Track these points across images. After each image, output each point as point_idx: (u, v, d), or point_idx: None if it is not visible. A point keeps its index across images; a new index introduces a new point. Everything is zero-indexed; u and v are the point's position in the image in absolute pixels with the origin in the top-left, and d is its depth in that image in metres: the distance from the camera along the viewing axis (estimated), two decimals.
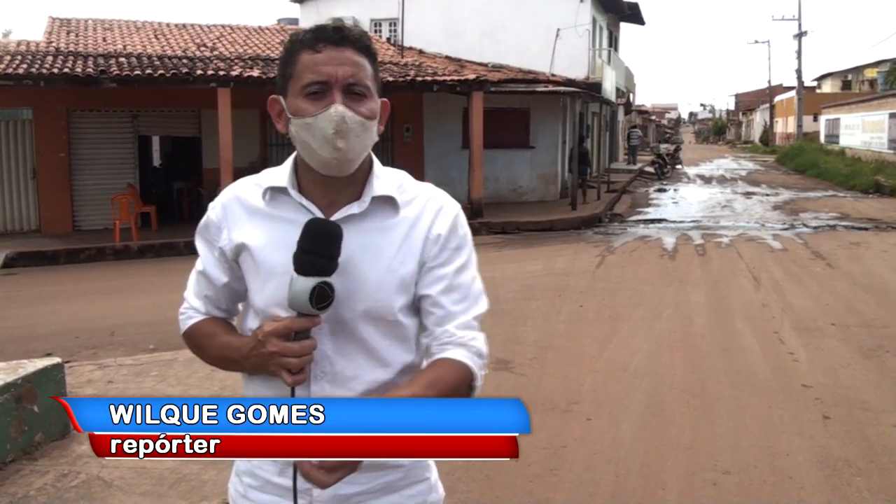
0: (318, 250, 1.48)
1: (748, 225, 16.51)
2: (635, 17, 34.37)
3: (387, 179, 1.65)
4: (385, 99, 1.65)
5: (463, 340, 1.59)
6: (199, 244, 1.72)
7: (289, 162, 1.64)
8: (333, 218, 1.57)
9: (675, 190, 25.92)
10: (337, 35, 1.54)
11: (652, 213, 19.34)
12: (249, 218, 1.63)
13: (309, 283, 1.46)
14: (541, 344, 7.23)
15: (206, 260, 1.70)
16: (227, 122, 14.33)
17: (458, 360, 1.56)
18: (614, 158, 37.00)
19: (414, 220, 1.63)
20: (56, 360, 4.96)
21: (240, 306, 1.76)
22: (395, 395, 1.51)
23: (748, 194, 24.02)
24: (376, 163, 1.67)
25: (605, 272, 10.99)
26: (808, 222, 16.66)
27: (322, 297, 1.47)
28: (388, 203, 1.62)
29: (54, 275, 12.13)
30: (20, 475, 4.29)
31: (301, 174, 1.62)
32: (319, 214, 1.57)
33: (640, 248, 13.28)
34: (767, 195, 23.64)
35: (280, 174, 1.63)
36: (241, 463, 1.72)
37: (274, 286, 1.57)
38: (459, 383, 1.55)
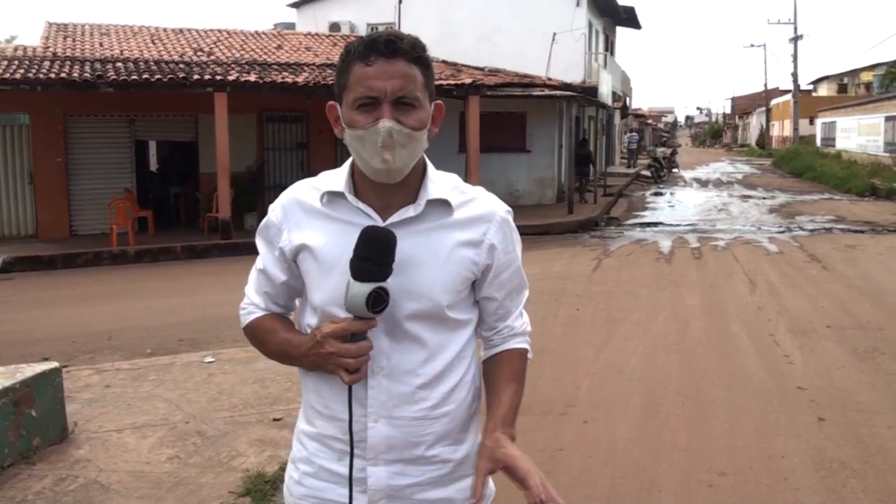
0: (373, 257, 1.54)
1: (744, 228, 16.55)
2: (631, 21, 34.42)
3: (441, 183, 1.71)
4: (439, 101, 1.71)
5: (521, 330, 1.85)
6: (260, 244, 1.79)
7: (346, 166, 1.71)
8: (389, 221, 1.64)
9: (671, 193, 25.97)
10: (388, 48, 1.58)
11: (648, 216, 19.38)
12: (308, 219, 1.70)
13: (365, 288, 1.53)
14: (537, 347, 7.17)
15: (266, 259, 1.77)
16: (223, 127, 14.34)
17: (519, 348, 1.84)
18: (611, 162, 37.04)
19: (469, 223, 1.70)
20: (54, 364, 4.97)
21: (296, 302, 1.84)
22: (502, 397, 1.75)
23: (744, 197, 24.07)
24: (430, 166, 1.73)
25: (602, 275, 11.02)
26: (803, 225, 16.71)
27: (378, 302, 1.55)
28: (442, 206, 1.68)
29: (51, 279, 12.13)
30: (18, 479, 4.29)
31: (357, 179, 1.69)
32: (377, 217, 1.64)
33: (636, 252, 13.30)
34: (763, 198, 23.69)
35: (337, 178, 1.70)
36: (297, 450, 1.81)
37: (332, 284, 1.64)
38: (524, 364, 1.85)
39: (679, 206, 21.79)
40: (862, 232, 15.43)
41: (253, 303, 1.81)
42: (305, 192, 1.72)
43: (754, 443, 4.93)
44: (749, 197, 24.22)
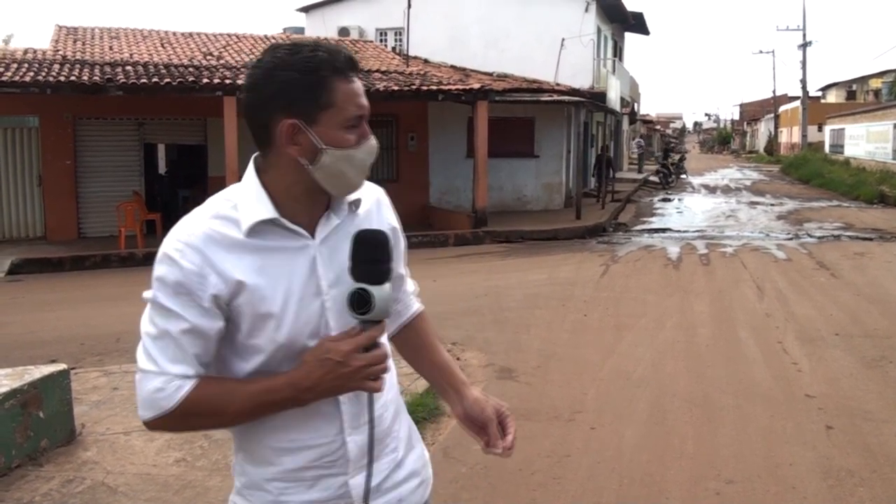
0: (383, 258, 1.56)
1: (752, 235, 16.51)
2: (640, 26, 34.45)
3: None
4: None
5: (414, 291, 1.96)
6: (171, 302, 1.50)
7: (257, 189, 1.58)
8: (323, 234, 1.61)
9: (679, 199, 25.91)
10: (356, 64, 1.59)
11: (656, 222, 19.34)
12: (234, 256, 1.53)
13: (386, 289, 1.53)
14: (545, 353, 7.23)
15: (190, 315, 1.50)
16: (232, 131, 14.38)
17: (422, 309, 1.96)
18: (618, 168, 37.04)
19: (371, 215, 1.72)
20: (62, 366, 4.98)
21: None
22: (444, 357, 1.91)
23: (752, 204, 24.01)
24: None
25: (609, 281, 11.00)
26: (812, 232, 16.66)
27: (362, 303, 1.53)
28: (351, 205, 1.67)
29: (59, 281, 12.17)
30: (26, 481, 4.31)
31: (282, 200, 1.58)
32: (307, 235, 1.60)
33: (644, 258, 13.28)
34: (772, 205, 23.63)
35: (254, 204, 1.56)
36: (255, 498, 1.66)
37: (295, 314, 1.56)
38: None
39: (687, 213, 21.75)
40: (870, 239, 15.37)
41: (178, 375, 1.49)
42: (214, 225, 1.53)
43: (762, 451, 4.91)
44: (757, 203, 24.16)
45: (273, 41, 18.59)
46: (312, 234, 1.60)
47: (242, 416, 1.56)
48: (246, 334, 1.56)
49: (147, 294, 1.53)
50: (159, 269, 1.51)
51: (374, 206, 1.74)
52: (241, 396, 1.53)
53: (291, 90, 1.52)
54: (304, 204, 1.60)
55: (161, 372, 1.49)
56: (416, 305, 1.94)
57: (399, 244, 1.81)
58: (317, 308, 1.59)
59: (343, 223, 1.64)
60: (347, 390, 1.56)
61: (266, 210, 1.55)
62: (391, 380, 1.75)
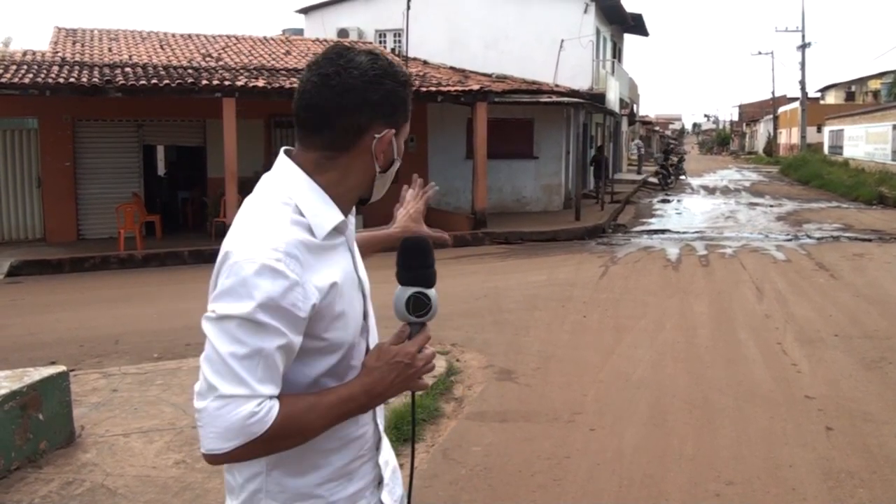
0: (432, 262, 1.62)
1: (752, 236, 16.51)
2: (639, 28, 34.45)
3: None
4: None
5: None
6: (271, 317, 1.41)
7: (320, 193, 1.57)
8: (349, 231, 1.68)
9: (678, 200, 25.92)
10: None
11: (655, 223, 19.35)
12: (318, 260, 1.51)
13: (435, 292, 1.61)
14: (544, 354, 7.23)
15: (289, 330, 1.43)
16: (231, 132, 14.37)
17: None
18: (618, 169, 37.03)
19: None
20: (61, 368, 4.98)
21: None
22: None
23: (752, 205, 24.03)
24: None
25: (609, 282, 11.00)
26: (811, 233, 16.66)
27: (419, 306, 1.60)
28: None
29: (59, 283, 12.16)
30: (25, 483, 4.30)
31: (336, 202, 1.60)
32: (343, 234, 1.66)
33: (643, 259, 13.28)
34: (771, 206, 23.64)
35: (325, 208, 1.56)
36: None
37: (354, 312, 1.61)
38: None
39: (686, 214, 21.75)
40: (870, 240, 15.38)
41: (266, 396, 1.41)
42: (296, 231, 1.50)
43: (762, 452, 4.91)
44: (756, 204, 24.17)
45: (272, 43, 18.48)
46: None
47: (320, 430, 1.51)
48: (322, 338, 1.53)
49: (230, 310, 1.42)
50: (257, 281, 1.40)
51: None
52: (323, 410, 1.49)
53: (394, 100, 1.57)
54: (348, 205, 1.64)
55: (252, 395, 1.39)
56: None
57: None
58: (360, 302, 1.65)
59: (350, 218, 1.72)
60: (408, 389, 1.61)
61: (337, 214, 1.57)
62: None
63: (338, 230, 1.58)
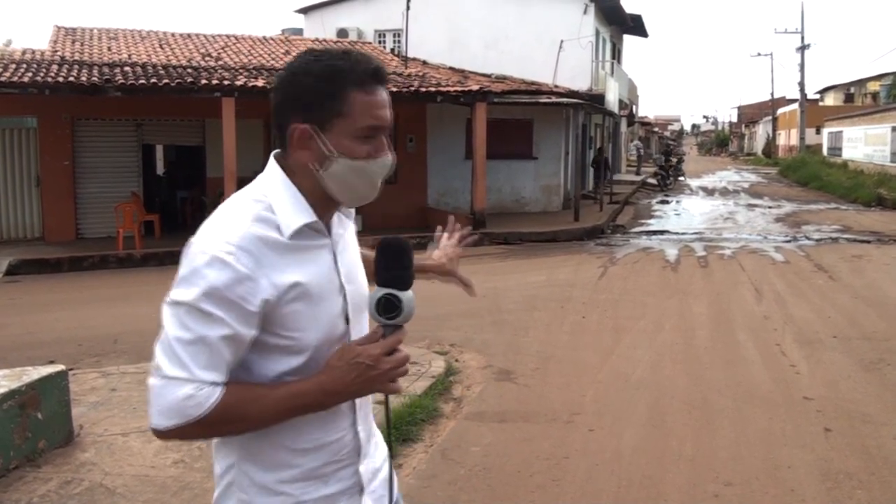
0: (409, 264, 1.59)
1: (750, 237, 16.52)
2: (638, 29, 34.48)
3: None
4: None
5: None
6: (215, 307, 1.45)
7: (294, 193, 1.59)
8: (337, 232, 1.68)
9: (677, 201, 25.93)
10: (382, 76, 1.59)
11: (654, 224, 19.35)
12: (282, 258, 1.52)
13: (412, 295, 1.58)
14: (543, 354, 7.23)
15: (234, 321, 1.46)
16: (231, 132, 14.37)
17: None
18: (617, 170, 37.06)
19: (349, 217, 1.77)
20: (60, 367, 4.98)
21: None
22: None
23: (750, 206, 24.04)
24: None
25: (608, 283, 11.00)
26: (810, 235, 16.67)
27: (390, 308, 1.57)
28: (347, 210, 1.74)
29: (57, 282, 12.16)
30: (23, 482, 4.30)
31: (310, 202, 1.60)
32: (327, 235, 1.65)
33: (642, 260, 13.28)
34: (770, 207, 23.66)
35: (295, 208, 1.57)
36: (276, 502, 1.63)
37: (325, 317, 1.59)
38: None
39: (685, 215, 21.76)
40: (868, 242, 15.39)
41: (209, 382, 1.45)
42: (259, 228, 1.52)
43: (760, 453, 4.92)
44: (755, 206, 24.18)
45: (271, 42, 18.49)
46: (331, 234, 1.65)
47: (268, 422, 1.54)
48: (284, 336, 1.55)
49: (180, 296, 1.48)
50: (205, 271, 1.45)
51: (353, 212, 1.79)
52: (270, 402, 1.51)
53: (308, 95, 1.55)
54: (325, 205, 1.63)
55: (191, 378, 1.44)
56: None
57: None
58: (339, 304, 1.62)
59: (346, 224, 1.71)
60: (372, 392, 1.60)
61: (307, 214, 1.58)
62: None
63: (315, 230, 1.59)
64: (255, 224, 1.52)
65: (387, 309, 1.55)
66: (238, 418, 1.50)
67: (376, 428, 1.86)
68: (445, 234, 2.30)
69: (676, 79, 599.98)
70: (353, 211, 1.77)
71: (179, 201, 18.39)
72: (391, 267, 1.57)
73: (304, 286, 1.54)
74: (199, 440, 1.56)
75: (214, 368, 1.46)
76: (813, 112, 50.06)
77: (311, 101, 1.55)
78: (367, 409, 1.73)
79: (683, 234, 17.20)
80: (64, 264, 13.21)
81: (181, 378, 1.44)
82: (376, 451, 1.80)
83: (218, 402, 1.46)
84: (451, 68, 22.46)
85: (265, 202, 1.56)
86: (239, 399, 1.49)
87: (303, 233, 1.56)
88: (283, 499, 1.61)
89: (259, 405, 1.50)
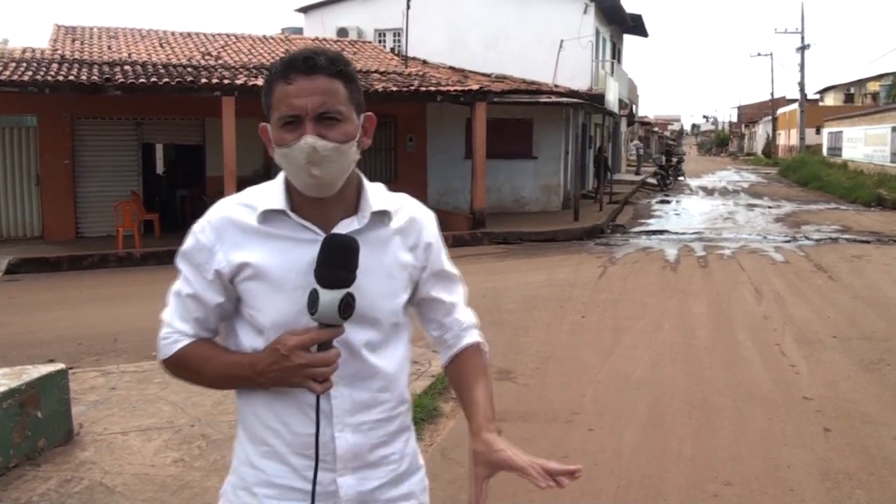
0: (342, 264, 1.56)
1: (750, 237, 16.53)
2: (639, 29, 34.48)
3: (376, 194, 1.74)
4: (370, 113, 1.73)
5: (469, 323, 1.91)
6: (185, 267, 1.72)
7: (279, 183, 1.70)
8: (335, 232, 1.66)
9: (677, 201, 25.94)
10: (307, 64, 1.60)
11: (654, 224, 19.36)
12: (246, 238, 1.66)
13: (337, 295, 1.55)
14: (543, 354, 7.23)
15: (195, 283, 1.70)
16: (230, 131, 14.37)
17: (475, 342, 1.89)
18: (617, 169, 37.05)
19: (404, 229, 1.76)
20: (59, 366, 4.97)
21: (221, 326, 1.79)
22: (475, 396, 1.81)
23: (750, 206, 24.04)
24: (364, 179, 1.76)
25: (608, 283, 11.01)
26: (810, 235, 16.68)
27: (348, 308, 1.57)
28: (382, 216, 1.71)
29: (57, 281, 12.15)
30: (23, 480, 4.30)
31: (294, 195, 1.68)
32: (320, 232, 1.64)
33: (642, 260, 13.29)
34: (769, 207, 23.66)
35: (272, 195, 1.68)
36: (248, 475, 1.73)
37: (282, 302, 1.63)
38: (485, 358, 1.91)
39: (685, 215, 21.77)
40: (868, 242, 15.39)
41: (179, 330, 1.72)
42: (237, 210, 1.68)
43: (760, 453, 4.92)
44: (755, 206, 24.19)
45: (271, 41, 18.52)
46: (327, 232, 1.64)
47: (216, 382, 1.75)
48: (252, 312, 1.67)
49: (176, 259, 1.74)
50: (186, 240, 1.71)
51: (407, 224, 1.76)
52: (216, 364, 1.70)
53: (263, 94, 1.66)
54: (309, 200, 1.66)
55: (169, 324, 1.74)
56: (467, 339, 1.88)
57: (435, 262, 1.83)
58: (304, 296, 1.62)
59: (365, 230, 1.68)
60: (291, 384, 1.61)
61: (276, 201, 1.66)
62: (400, 394, 1.79)
63: (294, 222, 1.65)
64: (235, 207, 1.69)
65: (347, 310, 1.56)
66: (193, 368, 1.73)
67: (410, 460, 1.83)
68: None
69: (676, 79, 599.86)
70: (394, 224, 1.73)
71: (179, 200, 18.38)
72: (326, 263, 1.56)
73: (256, 267, 1.64)
74: (179, 380, 1.83)
75: (184, 320, 1.72)
76: (813, 112, 50.06)
77: (263, 100, 1.67)
78: (359, 418, 1.69)
79: (683, 233, 17.20)
80: (64, 263, 13.21)
81: (165, 322, 1.75)
82: (389, 475, 1.76)
83: (179, 349, 1.72)
84: (451, 68, 22.45)
85: (260, 191, 1.71)
86: (199, 354, 1.72)
87: (275, 220, 1.66)
88: (256, 473, 1.71)
89: (211, 364, 1.71)
